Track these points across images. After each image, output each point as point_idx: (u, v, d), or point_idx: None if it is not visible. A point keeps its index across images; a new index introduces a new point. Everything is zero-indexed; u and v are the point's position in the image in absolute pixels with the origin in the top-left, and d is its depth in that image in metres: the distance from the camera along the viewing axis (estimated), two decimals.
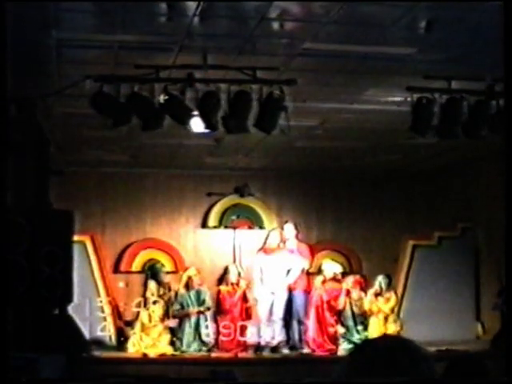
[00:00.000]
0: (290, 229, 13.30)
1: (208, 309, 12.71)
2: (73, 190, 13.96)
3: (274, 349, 12.61)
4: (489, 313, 13.38)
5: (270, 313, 12.70)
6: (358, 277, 13.21)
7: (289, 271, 12.88)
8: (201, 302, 12.73)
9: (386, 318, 12.65)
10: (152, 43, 8.02)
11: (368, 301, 12.65)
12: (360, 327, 12.60)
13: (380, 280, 12.81)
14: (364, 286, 13.02)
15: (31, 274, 8.10)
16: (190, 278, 12.92)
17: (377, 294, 12.73)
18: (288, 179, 15.25)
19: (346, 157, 13.89)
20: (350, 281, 13.00)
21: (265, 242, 13.33)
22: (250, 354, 12.47)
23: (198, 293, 12.80)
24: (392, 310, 12.78)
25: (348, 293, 12.79)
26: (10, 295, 7.47)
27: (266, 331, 12.57)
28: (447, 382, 3.30)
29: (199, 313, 12.60)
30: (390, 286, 12.99)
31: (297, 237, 13.35)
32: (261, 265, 12.91)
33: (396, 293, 13.18)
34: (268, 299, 12.71)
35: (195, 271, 13.06)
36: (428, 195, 15.49)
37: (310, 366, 11.49)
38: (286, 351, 12.60)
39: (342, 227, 15.48)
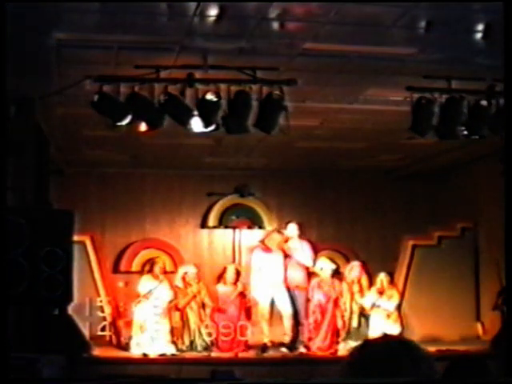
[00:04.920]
0: (292, 228, 13.27)
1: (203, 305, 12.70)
2: (73, 190, 13.97)
3: (264, 348, 12.51)
4: (489, 313, 13.37)
5: (271, 311, 12.66)
6: (359, 263, 13.15)
7: (287, 270, 12.84)
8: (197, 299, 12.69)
9: (388, 316, 12.61)
10: (152, 43, 8.02)
11: (370, 299, 12.62)
12: (362, 327, 12.56)
13: (381, 278, 12.76)
14: (368, 270, 13.02)
15: (31, 274, 8.09)
16: (185, 273, 12.89)
17: (379, 292, 12.68)
18: (288, 179, 15.25)
19: (346, 157, 13.89)
20: (355, 270, 12.90)
21: (262, 241, 13.26)
22: (249, 354, 12.46)
23: (195, 289, 12.74)
24: (395, 308, 12.71)
25: (350, 289, 12.73)
26: (10, 295, 7.47)
27: (269, 330, 12.55)
28: (447, 382, 3.30)
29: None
30: (392, 283, 12.95)
31: (300, 236, 13.30)
32: (259, 263, 12.86)
33: (398, 290, 13.16)
34: (268, 297, 12.67)
35: (194, 268, 13.01)
36: (428, 195, 15.49)
37: (310, 367, 11.48)
38: (285, 351, 12.57)
39: (341, 227, 15.48)
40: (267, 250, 12.95)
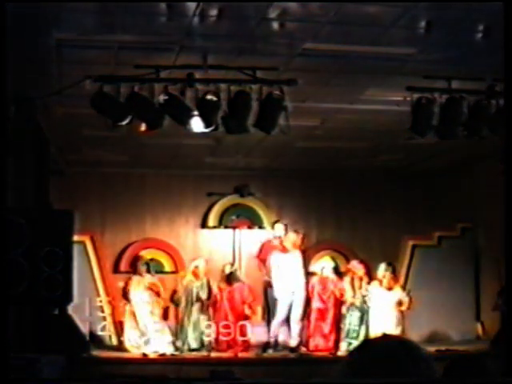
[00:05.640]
0: (279, 228, 13.26)
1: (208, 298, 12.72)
2: (73, 190, 13.97)
3: (265, 347, 12.48)
4: (489, 313, 13.37)
5: (288, 312, 12.55)
6: (359, 262, 13.11)
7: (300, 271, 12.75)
8: (202, 294, 12.69)
9: (391, 308, 12.47)
10: (152, 43, 8.02)
11: (372, 291, 12.53)
12: (363, 326, 12.50)
13: (384, 268, 12.65)
14: (369, 269, 13.01)
15: (31, 273, 8.10)
16: (196, 267, 12.89)
17: (381, 283, 12.59)
18: (288, 179, 15.25)
19: (346, 157, 13.89)
20: (356, 269, 12.85)
21: (280, 241, 13.17)
22: (249, 354, 12.44)
23: (202, 284, 12.75)
24: (399, 298, 12.60)
25: (351, 288, 12.68)
26: (10, 295, 7.47)
27: (281, 331, 12.52)
28: (447, 381, 3.30)
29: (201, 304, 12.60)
30: (394, 273, 12.83)
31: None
32: (279, 264, 12.76)
33: (399, 280, 13.11)
34: (287, 299, 12.54)
35: (203, 262, 13.01)
36: (428, 195, 15.49)
37: (310, 367, 11.47)
38: (285, 352, 12.54)
39: (342, 227, 15.48)
40: (284, 250, 12.85)
